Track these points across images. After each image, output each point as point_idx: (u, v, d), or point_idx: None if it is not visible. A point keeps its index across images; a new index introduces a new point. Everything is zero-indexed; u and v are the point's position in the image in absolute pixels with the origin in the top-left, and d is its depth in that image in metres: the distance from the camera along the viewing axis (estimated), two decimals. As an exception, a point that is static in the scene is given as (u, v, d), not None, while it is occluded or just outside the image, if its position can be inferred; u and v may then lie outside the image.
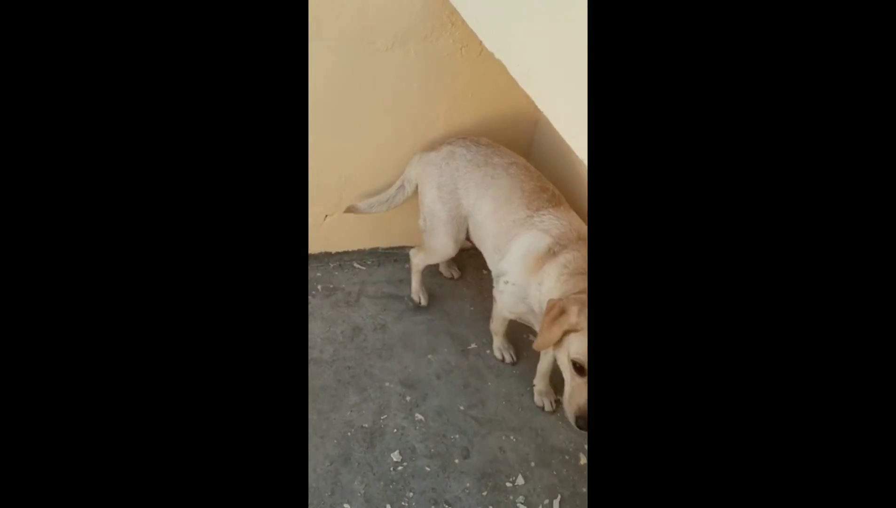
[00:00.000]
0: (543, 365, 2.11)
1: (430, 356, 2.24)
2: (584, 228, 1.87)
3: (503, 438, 2.03)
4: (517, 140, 2.41)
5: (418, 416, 2.04)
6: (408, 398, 2.09)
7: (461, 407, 2.09)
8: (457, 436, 2.00)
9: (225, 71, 0.71)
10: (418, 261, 2.31)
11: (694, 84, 0.67)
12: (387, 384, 2.12)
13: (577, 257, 1.74)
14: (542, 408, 2.14)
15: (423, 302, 2.39)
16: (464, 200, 2.04)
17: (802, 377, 0.63)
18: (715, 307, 0.65)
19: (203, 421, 0.71)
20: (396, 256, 2.61)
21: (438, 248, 2.17)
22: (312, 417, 1.97)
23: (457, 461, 1.93)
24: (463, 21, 1.57)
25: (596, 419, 0.71)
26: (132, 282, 0.69)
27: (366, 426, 1.98)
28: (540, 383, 2.15)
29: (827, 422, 0.62)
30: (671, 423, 0.67)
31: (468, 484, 1.87)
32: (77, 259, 0.67)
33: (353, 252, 2.57)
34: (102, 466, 0.68)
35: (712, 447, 0.66)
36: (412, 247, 2.46)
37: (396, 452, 1.92)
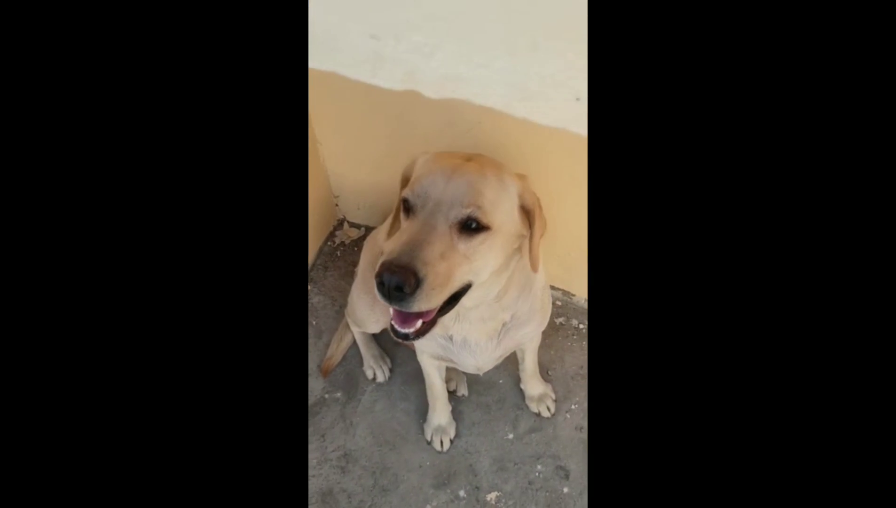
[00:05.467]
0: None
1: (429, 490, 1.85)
2: None
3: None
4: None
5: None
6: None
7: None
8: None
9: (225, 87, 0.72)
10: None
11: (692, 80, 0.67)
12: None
13: None
14: None
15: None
16: None
17: (800, 378, 0.63)
18: (714, 310, 0.66)
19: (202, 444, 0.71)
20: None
21: None
22: None
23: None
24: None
25: (597, 422, 0.72)
26: (125, 300, 0.69)
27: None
28: None
29: (824, 426, 0.63)
30: (671, 426, 0.67)
31: None
32: (70, 260, 0.67)
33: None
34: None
35: (712, 449, 0.66)
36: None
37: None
